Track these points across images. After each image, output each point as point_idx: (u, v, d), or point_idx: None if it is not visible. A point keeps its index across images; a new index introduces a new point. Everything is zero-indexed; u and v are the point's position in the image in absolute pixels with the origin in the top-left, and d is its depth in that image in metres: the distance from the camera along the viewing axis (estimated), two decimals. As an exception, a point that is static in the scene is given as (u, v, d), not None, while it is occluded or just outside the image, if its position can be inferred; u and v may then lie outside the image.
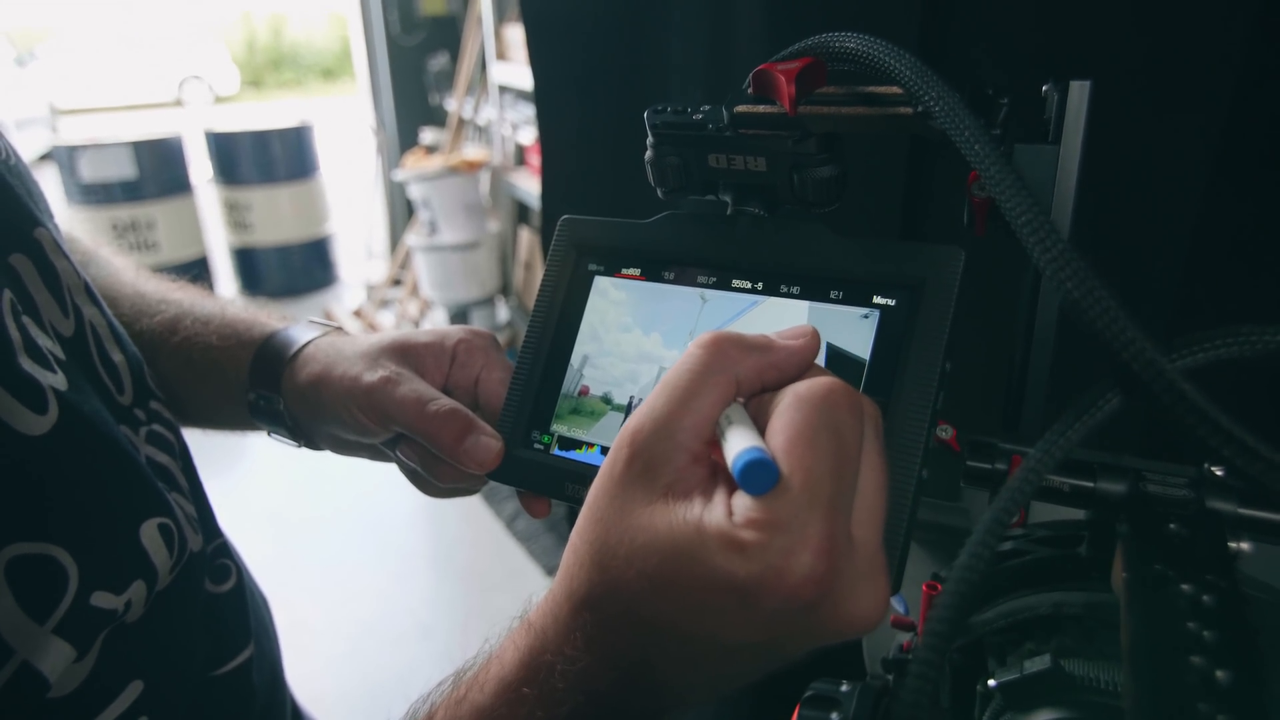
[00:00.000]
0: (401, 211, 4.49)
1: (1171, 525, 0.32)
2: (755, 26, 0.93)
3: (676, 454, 0.31)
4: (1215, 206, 0.80)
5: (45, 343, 0.42)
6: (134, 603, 0.42)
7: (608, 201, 1.25)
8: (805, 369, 0.34)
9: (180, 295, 0.63)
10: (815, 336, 0.34)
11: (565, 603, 0.34)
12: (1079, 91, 0.36)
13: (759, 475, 0.29)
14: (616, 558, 0.31)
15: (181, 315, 0.60)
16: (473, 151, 3.73)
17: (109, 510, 0.42)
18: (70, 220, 4.21)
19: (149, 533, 0.44)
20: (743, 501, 0.29)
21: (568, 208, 1.40)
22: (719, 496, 0.31)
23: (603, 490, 0.33)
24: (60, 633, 0.38)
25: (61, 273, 0.47)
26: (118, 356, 0.50)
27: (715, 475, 0.32)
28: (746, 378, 0.33)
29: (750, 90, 0.41)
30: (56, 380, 0.41)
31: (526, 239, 3.71)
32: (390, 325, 4.07)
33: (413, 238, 3.70)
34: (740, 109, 0.41)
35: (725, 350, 0.33)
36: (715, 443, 0.32)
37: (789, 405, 0.31)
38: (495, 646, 0.38)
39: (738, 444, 0.30)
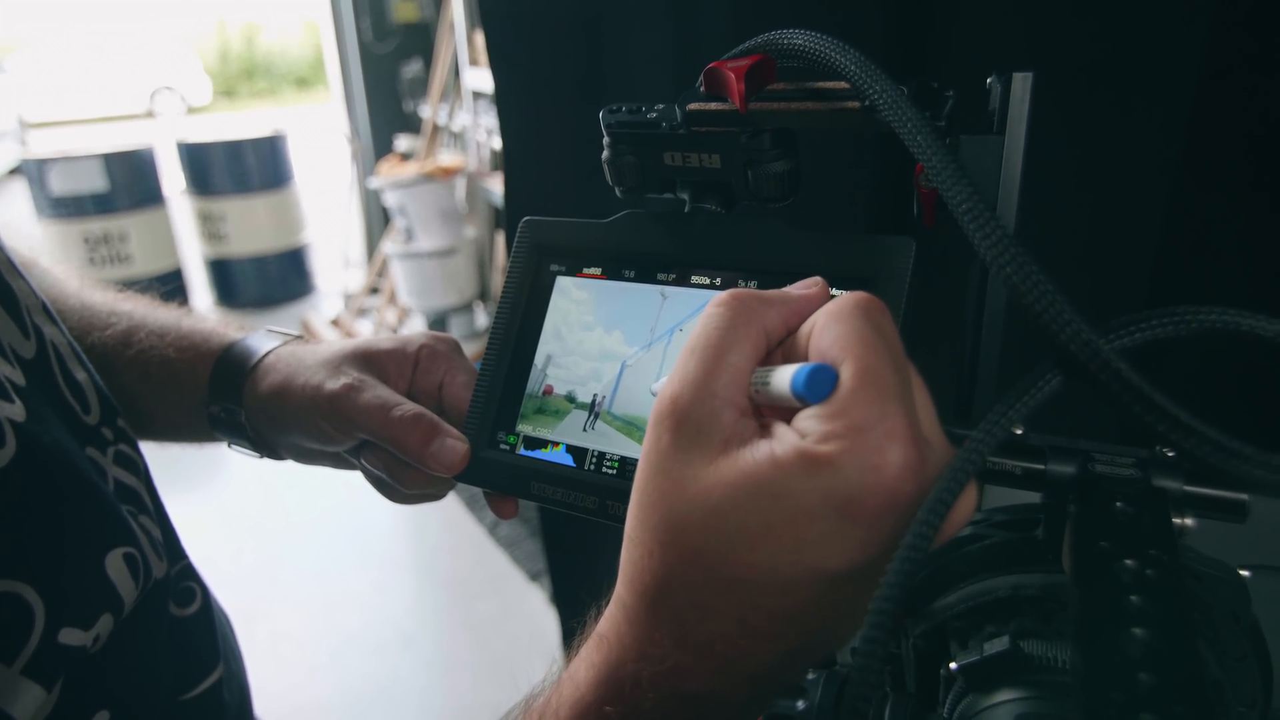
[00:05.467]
0: (378, 219, 4.48)
1: (1118, 503, 0.33)
2: (718, 25, 0.94)
3: (724, 410, 0.30)
4: (1183, 201, 0.82)
5: (4, 370, 0.42)
6: (101, 636, 0.41)
7: (572, 203, 1.25)
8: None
9: (130, 306, 0.62)
10: (825, 284, 0.34)
11: (639, 602, 0.31)
12: (1021, 83, 0.37)
13: (820, 380, 0.28)
14: (690, 528, 0.29)
15: (135, 327, 0.59)
16: (448, 158, 3.72)
17: (73, 543, 0.41)
18: (41, 235, 4.17)
19: (114, 563, 0.43)
20: (812, 420, 0.28)
21: (533, 211, 1.39)
22: (780, 430, 0.29)
23: (653, 470, 0.31)
24: (29, 674, 0.37)
25: (19, 293, 0.46)
26: (81, 375, 0.50)
27: (766, 424, 0.30)
28: (773, 327, 0.32)
29: (702, 88, 0.41)
30: (14, 411, 0.40)
31: (503, 244, 3.71)
32: (369, 334, 4.05)
33: (390, 245, 3.69)
34: (693, 107, 0.42)
35: (748, 304, 0.32)
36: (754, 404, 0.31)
37: (827, 321, 0.30)
38: (563, 668, 0.35)
39: (786, 371, 0.29)
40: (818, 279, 0.34)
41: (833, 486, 0.27)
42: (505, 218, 1.53)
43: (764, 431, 0.30)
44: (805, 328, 0.32)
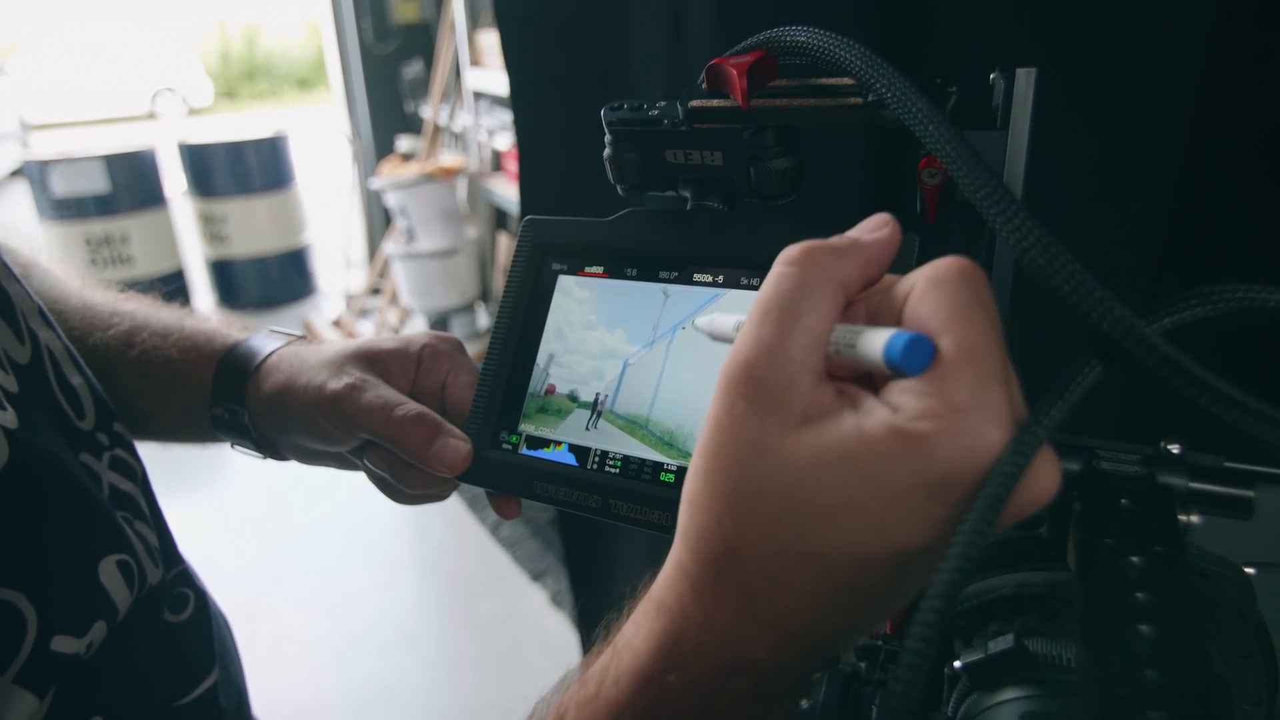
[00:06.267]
0: (379, 220, 4.48)
1: (1123, 500, 0.32)
2: (707, 26, 0.94)
3: (802, 376, 0.28)
4: (1187, 196, 0.82)
5: None
6: (95, 643, 0.41)
7: (587, 203, 1.26)
8: (896, 254, 0.31)
9: (132, 306, 0.62)
10: (894, 221, 0.32)
11: (705, 571, 0.30)
12: (1025, 78, 0.37)
13: (918, 352, 0.26)
14: (766, 500, 0.28)
15: (137, 328, 0.59)
16: (449, 158, 3.72)
17: (66, 550, 0.41)
18: (43, 236, 4.17)
19: (108, 570, 0.43)
20: (906, 395, 0.27)
21: (548, 210, 1.40)
22: (868, 402, 0.28)
23: (726, 436, 0.29)
24: (21, 681, 0.37)
25: (14, 297, 0.46)
26: (76, 380, 0.49)
27: (846, 391, 0.29)
28: (850, 280, 0.30)
29: (704, 85, 0.41)
30: (6, 418, 0.40)
31: (505, 245, 3.71)
32: (371, 334, 4.05)
33: (391, 246, 3.69)
34: (695, 104, 0.42)
35: (820, 260, 0.29)
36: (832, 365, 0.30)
37: (926, 289, 0.28)
38: (621, 636, 0.34)
39: (878, 337, 0.27)
40: (886, 215, 0.32)
41: (926, 468, 0.26)
42: (520, 217, 1.53)
43: (843, 398, 0.28)
44: (902, 287, 0.29)
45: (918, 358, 0.27)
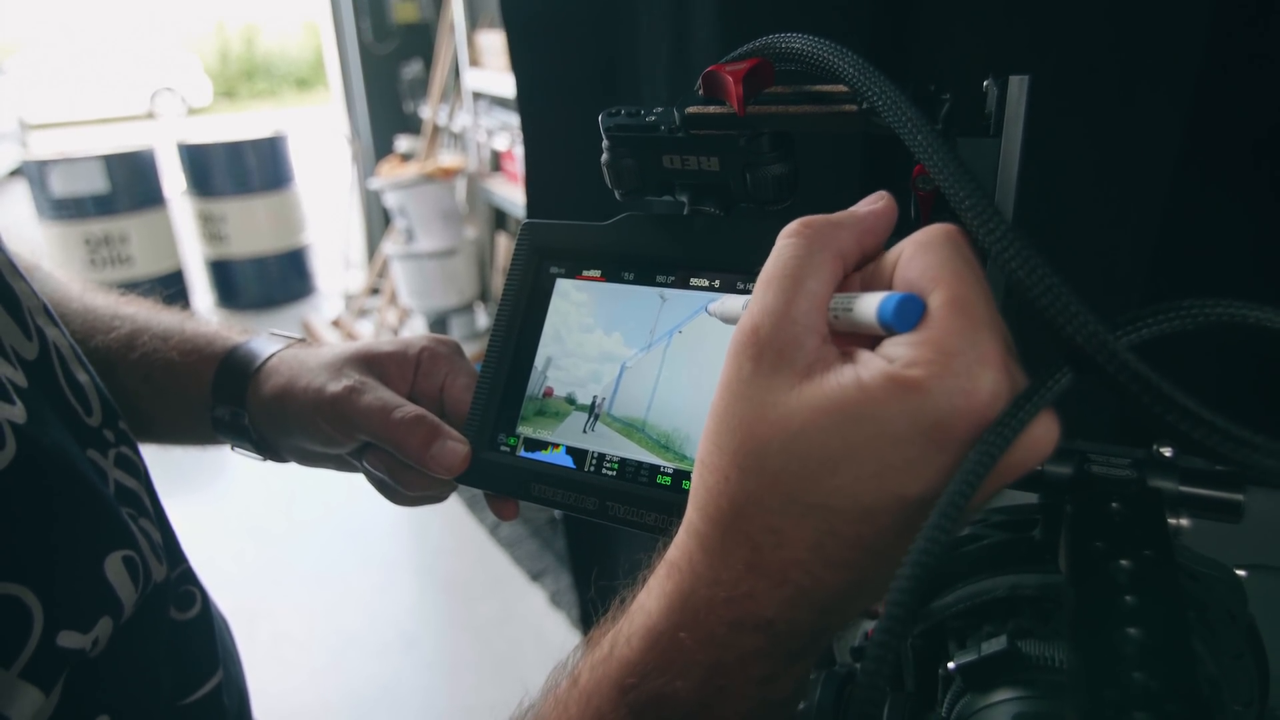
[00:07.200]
0: (378, 220, 4.48)
1: (1113, 504, 0.33)
2: (713, 26, 0.95)
3: (806, 337, 0.30)
4: (1183, 199, 0.82)
5: (5, 371, 0.42)
6: (101, 639, 0.41)
7: (594, 203, 1.26)
8: (893, 228, 0.33)
9: (132, 310, 0.62)
10: (889, 196, 0.33)
11: (712, 528, 0.31)
12: (1018, 86, 0.37)
13: (909, 309, 0.28)
14: (770, 453, 0.29)
15: (138, 331, 0.59)
16: (448, 158, 3.72)
17: (72, 545, 0.41)
18: (42, 237, 4.17)
19: (114, 566, 0.43)
20: (900, 346, 0.28)
21: (554, 210, 1.40)
22: (865, 355, 0.29)
23: (734, 396, 0.30)
24: (27, 676, 0.37)
25: (20, 295, 0.46)
26: (83, 377, 0.50)
27: (849, 352, 0.30)
28: (848, 250, 0.32)
29: (701, 92, 0.41)
30: (14, 413, 0.40)
31: (504, 245, 3.71)
32: (369, 335, 4.05)
33: (390, 246, 3.69)
34: (691, 110, 0.42)
35: (820, 230, 0.31)
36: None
37: (915, 251, 0.30)
38: (634, 601, 0.35)
39: (871, 299, 0.29)
40: (883, 193, 0.33)
41: (921, 411, 0.27)
42: (526, 217, 1.53)
43: (846, 358, 0.30)
44: (891, 255, 0.31)
45: (908, 315, 0.28)
